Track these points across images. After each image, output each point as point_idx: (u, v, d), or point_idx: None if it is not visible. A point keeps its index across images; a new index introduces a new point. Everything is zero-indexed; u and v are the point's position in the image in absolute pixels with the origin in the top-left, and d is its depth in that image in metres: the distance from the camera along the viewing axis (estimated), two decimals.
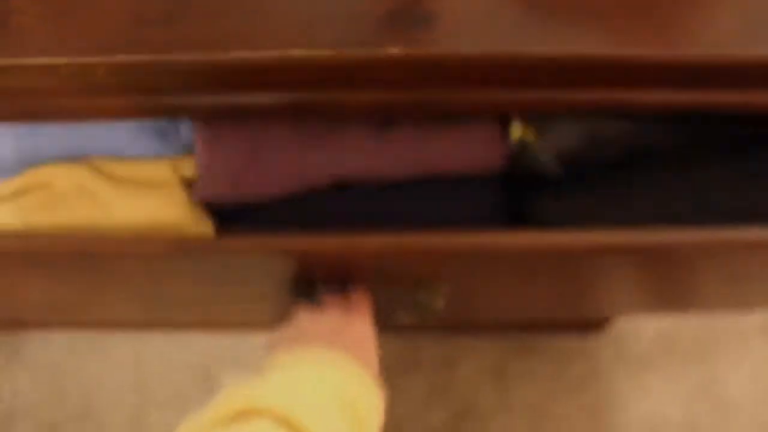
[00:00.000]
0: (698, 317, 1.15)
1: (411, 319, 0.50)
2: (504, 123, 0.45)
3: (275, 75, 0.37)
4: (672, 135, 0.44)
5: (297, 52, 0.35)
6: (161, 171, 0.45)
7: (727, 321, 1.15)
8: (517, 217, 0.45)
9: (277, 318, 0.47)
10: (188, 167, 0.46)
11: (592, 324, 1.13)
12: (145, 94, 0.39)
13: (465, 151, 0.45)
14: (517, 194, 0.45)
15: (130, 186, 0.44)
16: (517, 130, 0.44)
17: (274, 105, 0.40)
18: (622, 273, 0.47)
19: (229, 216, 0.46)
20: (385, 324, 0.48)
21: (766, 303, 0.58)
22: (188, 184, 0.46)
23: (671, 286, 0.53)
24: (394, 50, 0.35)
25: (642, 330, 1.16)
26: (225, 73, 0.37)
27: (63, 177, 0.44)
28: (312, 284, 0.46)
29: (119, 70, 0.37)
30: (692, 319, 1.15)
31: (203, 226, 0.45)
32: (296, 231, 0.41)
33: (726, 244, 0.40)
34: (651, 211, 0.42)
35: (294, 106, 0.40)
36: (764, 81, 0.38)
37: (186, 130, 0.46)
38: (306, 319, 0.44)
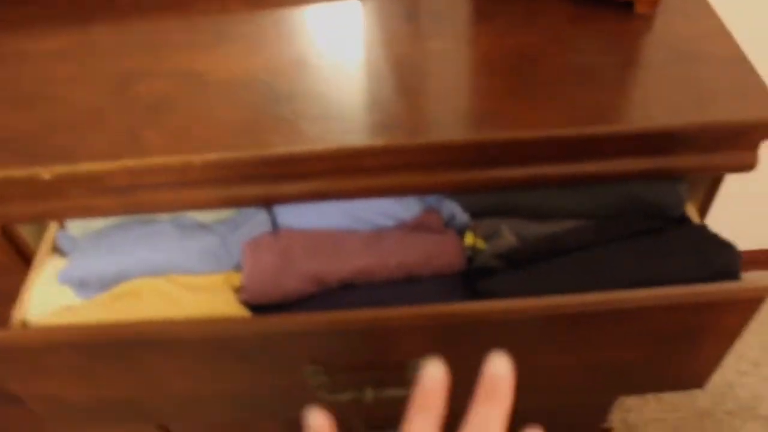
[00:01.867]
0: None
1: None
2: (461, 234, 0.63)
3: (308, 165, 0.59)
4: (581, 234, 0.62)
5: (329, 146, 0.58)
6: (217, 282, 0.63)
7: None
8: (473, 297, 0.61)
9: None
10: (237, 279, 0.64)
11: None
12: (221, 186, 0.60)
13: (435, 259, 0.63)
14: (472, 281, 0.62)
15: (196, 291, 0.62)
16: (469, 238, 0.63)
17: (304, 192, 0.60)
18: (560, 340, 0.61)
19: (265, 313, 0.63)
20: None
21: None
22: (237, 290, 0.64)
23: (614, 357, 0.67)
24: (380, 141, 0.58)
25: None
26: (274, 165, 0.58)
27: (148, 286, 0.62)
28: None
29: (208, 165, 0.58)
30: None
31: None
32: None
33: (623, 301, 0.56)
34: (567, 284, 0.58)
35: (321, 192, 0.61)
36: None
37: (236, 253, 0.64)
38: None
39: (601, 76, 0.63)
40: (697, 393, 1.28)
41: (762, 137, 0.60)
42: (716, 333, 0.62)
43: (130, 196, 0.62)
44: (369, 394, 0.64)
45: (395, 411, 0.73)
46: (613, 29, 0.68)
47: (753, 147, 0.61)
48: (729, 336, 0.64)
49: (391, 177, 0.61)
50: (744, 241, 1.35)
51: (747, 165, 0.63)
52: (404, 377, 0.64)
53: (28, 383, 0.66)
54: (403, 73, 0.65)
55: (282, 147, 0.59)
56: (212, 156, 0.59)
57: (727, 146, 0.60)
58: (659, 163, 0.62)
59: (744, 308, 0.61)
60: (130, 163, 0.59)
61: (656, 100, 0.60)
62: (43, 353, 0.61)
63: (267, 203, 0.64)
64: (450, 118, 0.60)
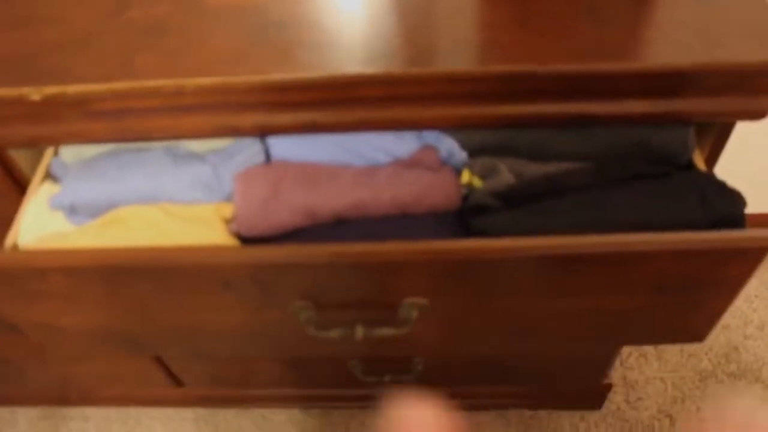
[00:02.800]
0: (702, 393, 1.23)
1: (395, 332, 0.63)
2: (458, 172, 0.62)
3: (302, 94, 0.57)
4: (581, 175, 0.60)
5: (323, 73, 0.56)
6: (208, 212, 0.62)
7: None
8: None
9: None
10: (228, 210, 0.63)
11: (592, 399, 1.20)
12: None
13: (429, 195, 0.61)
14: (466, 219, 0.61)
15: (186, 220, 0.61)
16: (465, 176, 0.61)
17: (298, 123, 0.59)
18: (556, 282, 0.60)
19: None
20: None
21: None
22: (228, 221, 0.63)
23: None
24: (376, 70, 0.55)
25: (644, 405, 1.23)
26: (267, 92, 0.57)
27: (138, 214, 0.61)
28: None
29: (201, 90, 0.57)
30: (696, 395, 1.22)
31: None
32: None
33: (619, 245, 0.54)
34: (564, 225, 0.57)
35: (316, 123, 0.59)
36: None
37: (228, 183, 0.63)
38: None
39: (610, 11, 0.61)
40: (699, 354, 1.27)
41: None
42: (719, 283, 0.60)
43: (123, 121, 0.61)
44: (359, 332, 0.63)
45: (388, 352, 0.73)
46: None
47: (765, 93, 0.58)
48: (732, 287, 0.62)
49: (388, 109, 0.60)
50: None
51: (758, 112, 0.60)
52: (396, 317, 0.63)
53: (22, 308, 0.66)
54: (403, 1, 0.63)
55: (275, 74, 0.57)
56: (205, 81, 0.57)
57: (737, 91, 0.58)
58: (666, 106, 0.59)
59: (749, 258, 0.59)
60: (120, 85, 0.58)
61: (666, 39, 0.58)
62: (33, 278, 0.60)
63: (261, 133, 0.63)
64: (451, 48, 0.58)
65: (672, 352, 1.27)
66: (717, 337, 1.28)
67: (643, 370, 1.25)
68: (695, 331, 0.68)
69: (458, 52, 0.58)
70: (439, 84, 0.57)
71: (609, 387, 1.15)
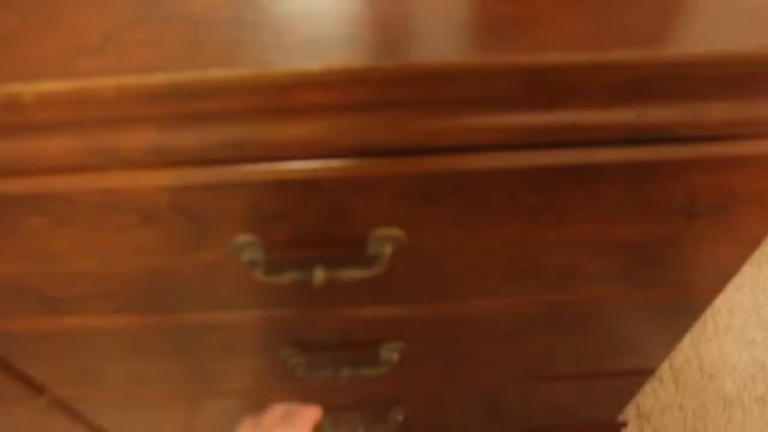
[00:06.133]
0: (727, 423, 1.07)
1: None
2: None
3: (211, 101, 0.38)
4: None
5: (242, 72, 0.36)
6: None
7: None
8: None
9: None
10: None
11: None
12: None
13: None
14: None
15: None
16: None
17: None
18: None
19: None
20: None
21: None
22: None
23: None
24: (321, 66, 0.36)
25: None
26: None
27: None
28: None
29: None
30: (720, 425, 1.07)
31: None
32: None
33: None
34: None
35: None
36: None
37: None
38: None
39: None
40: (721, 375, 1.10)
41: None
42: None
43: None
44: (319, 275, 0.49)
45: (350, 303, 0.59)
46: None
47: None
48: None
49: (338, 121, 0.39)
50: None
51: None
52: (364, 254, 0.50)
53: None
54: None
55: (163, 73, 0.36)
56: (53, 86, 0.37)
57: None
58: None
59: None
60: None
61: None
62: None
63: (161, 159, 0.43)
64: (440, 29, 0.38)
65: (690, 373, 1.10)
66: (741, 354, 1.11)
67: (658, 396, 1.08)
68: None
69: (450, 33, 0.38)
70: (424, 84, 0.37)
71: (623, 425, 0.98)
